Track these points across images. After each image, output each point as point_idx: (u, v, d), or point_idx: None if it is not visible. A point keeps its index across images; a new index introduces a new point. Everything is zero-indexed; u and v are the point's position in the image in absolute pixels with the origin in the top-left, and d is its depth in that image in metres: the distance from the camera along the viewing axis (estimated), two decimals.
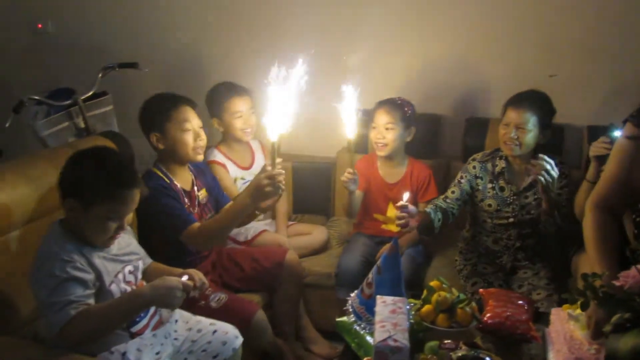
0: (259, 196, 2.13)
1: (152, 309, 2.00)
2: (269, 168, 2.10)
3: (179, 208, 2.37)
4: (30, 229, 2.02)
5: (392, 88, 3.10)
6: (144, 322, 1.96)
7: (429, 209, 2.59)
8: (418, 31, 3.23)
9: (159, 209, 2.32)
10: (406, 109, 2.87)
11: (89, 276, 1.80)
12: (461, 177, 2.68)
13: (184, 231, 2.32)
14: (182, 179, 2.50)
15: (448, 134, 3.26)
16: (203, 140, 2.45)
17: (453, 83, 3.24)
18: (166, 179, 2.44)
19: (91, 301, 1.78)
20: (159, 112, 2.41)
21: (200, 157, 2.47)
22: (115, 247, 1.94)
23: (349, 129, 2.51)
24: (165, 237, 2.34)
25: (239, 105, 2.92)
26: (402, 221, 2.40)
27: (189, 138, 2.40)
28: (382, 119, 2.82)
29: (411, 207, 2.41)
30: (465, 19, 3.14)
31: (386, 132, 2.82)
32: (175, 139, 2.40)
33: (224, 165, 2.97)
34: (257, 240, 2.96)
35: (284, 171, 2.13)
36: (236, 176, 3.00)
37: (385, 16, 3.25)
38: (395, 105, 2.85)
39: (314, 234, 3.12)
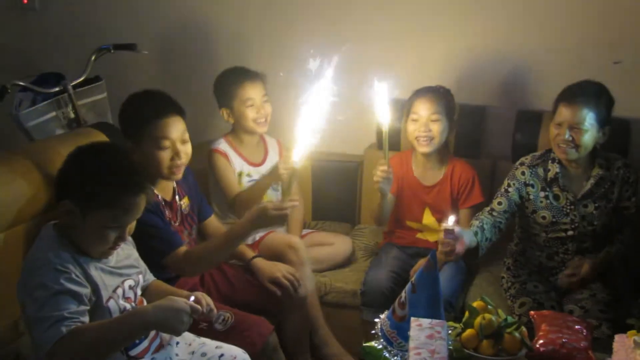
0: (261, 225, 2.27)
1: (151, 335, 2.02)
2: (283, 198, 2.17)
3: (162, 227, 2.36)
4: (10, 236, 2.05)
5: (429, 76, 3.09)
6: (145, 344, 1.98)
7: (474, 228, 2.57)
8: (460, 10, 3.22)
9: (139, 227, 2.14)
10: (450, 98, 2.88)
11: (85, 290, 1.81)
12: (508, 185, 2.67)
13: (167, 256, 2.33)
14: (162, 188, 2.46)
15: (495, 129, 3.25)
16: (183, 159, 2.38)
17: (501, 70, 3.22)
18: None
19: (85, 319, 1.78)
20: (134, 122, 2.36)
21: (177, 177, 2.42)
22: (114, 258, 1.96)
23: (383, 119, 2.49)
24: (145, 258, 2.24)
25: (251, 92, 2.93)
26: (448, 248, 2.38)
27: (164, 156, 2.33)
28: (426, 109, 2.80)
29: (458, 230, 2.39)
30: None
31: (432, 124, 2.80)
32: (149, 155, 2.33)
33: (225, 155, 2.99)
34: (264, 242, 2.95)
35: (297, 203, 2.24)
36: (242, 170, 3.02)
37: None
38: (439, 93, 2.85)
39: (337, 244, 3.13)
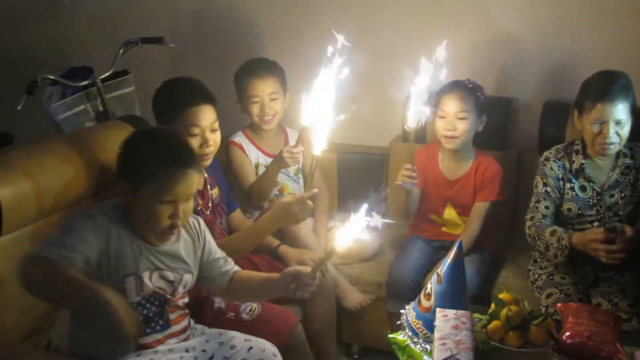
0: (286, 220, 2.31)
1: (175, 328, 2.04)
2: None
3: None
4: (46, 224, 2.10)
5: (455, 68, 3.06)
6: (157, 336, 1.99)
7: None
8: (487, 0, 3.20)
9: None
10: (479, 93, 2.85)
11: (93, 245, 1.83)
12: (545, 185, 2.64)
13: None
14: None
15: (521, 121, 3.24)
16: (211, 147, 2.42)
17: (528, 61, 3.20)
18: None
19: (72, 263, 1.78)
20: (166, 108, 2.41)
21: (206, 164, 2.46)
22: (170, 244, 1.99)
23: (412, 116, 2.48)
24: None
25: (257, 89, 2.94)
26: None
27: (193, 143, 2.37)
28: (453, 106, 2.79)
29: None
30: None
31: (458, 122, 2.79)
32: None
33: (240, 147, 3.03)
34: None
35: (316, 190, 2.25)
36: (258, 162, 3.05)
37: None
38: (467, 89, 2.82)
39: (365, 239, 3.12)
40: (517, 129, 3.25)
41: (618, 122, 2.44)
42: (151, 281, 1.96)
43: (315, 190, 2.31)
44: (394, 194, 3.23)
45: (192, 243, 2.09)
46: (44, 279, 1.73)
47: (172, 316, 2.03)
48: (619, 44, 3.03)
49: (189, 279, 2.06)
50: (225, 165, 3.04)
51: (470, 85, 2.84)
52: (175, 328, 2.04)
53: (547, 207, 2.65)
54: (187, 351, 2.04)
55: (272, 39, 3.55)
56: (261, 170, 3.04)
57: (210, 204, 2.57)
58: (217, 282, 2.15)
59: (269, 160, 3.04)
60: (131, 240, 1.91)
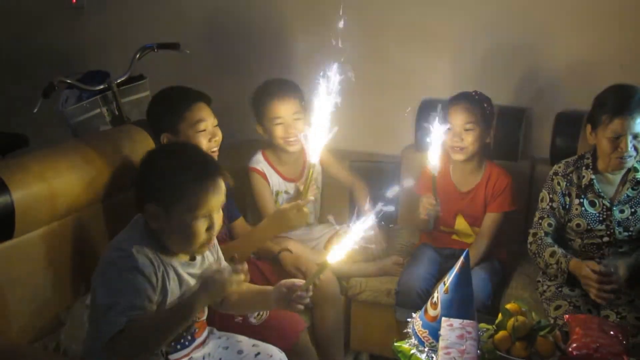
0: (283, 228, 2.33)
1: (198, 341, 2.06)
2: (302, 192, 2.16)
3: None
4: (59, 227, 2.14)
5: (468, 78, 3.09)
6: (186, 351, 2.02)
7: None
8: (500, 11, 3.20)
9: None
10: (486, 105, 2.85)
11: (154, 294, 1.83)
12: (551, 200, 2.64)
13: None
14: None
15: (534, 132, 3.23)
16: (217, 141, 2.49)
17: (541, 71, 3.20)
18: None
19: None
20: (171, 110, 2.45)
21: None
22: (199, 264, 1.99)
23: (434, 163, 2.53)
24: None
25: (280, 110, 2.90)
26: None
27: (203, 140, 2.45)
28: (460, 118, 2.80)
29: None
30: None
31: (465, 134, 2.80)
32: (189, 140, 2.43)
33: (264, 175, 3.00)
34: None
35: (313, 198, 2.24)
36: (279, 189, 3.03)
37: None
38: (474, 101, 2.83)
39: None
40: (530, 139, 3.24)
41: (635, 136, 2.43)
42: None
43: (311, 198, 2.33)
44: (404, 201, 3.24)
45: (215, 260, 2.11)
46: (137, 342, 1.74)
47: (196, 330, 2.06)
48: (633, 56, 3.02)
49: None
50: (240, 174, 3.06)
51: (476, 97, 2.84)
52: (199, 340, 2.07)
53: (549, 225, 2.65)
54: (204, 358, 2.07)
55: (288, 49, 3.57)
56: (280, 197, 3.02)
57: None
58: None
59: (288, 185, 3.02)
60: (167, 265, 1.89)
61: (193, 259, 1.98)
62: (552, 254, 2.57)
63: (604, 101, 2.51)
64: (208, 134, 2.46)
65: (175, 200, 1.82)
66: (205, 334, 2.11)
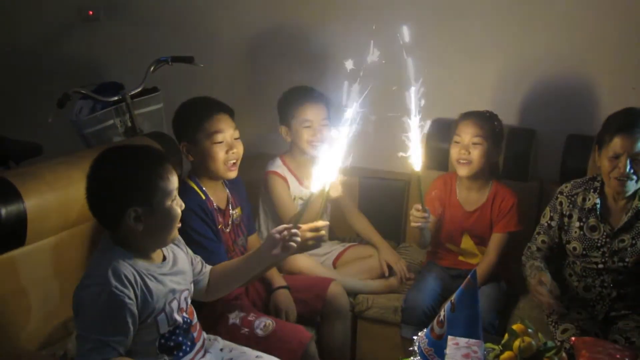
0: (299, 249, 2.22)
1: (198, 345, 2.08)
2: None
3: (212, 239, 2.43)
4: (69, 235, 2.17)
5: (479, 98, 3.11)
6: (189, 356, 2.03)
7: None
8: (511, 32, 3.22)
9: (188, 232, 2.32)
10: (496, 123, 2.87)
11: (134, 315, 1.84)
12: (551, 219, 2.65)
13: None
14: (217, 196, 2.57)
15: (544, 153, 3.23)
16: (236, 154, 2.50)
17: (553, 93, 3.20)
18: (202, 195, 2.50)
19: (124, 349, 1.82)
20: (190, 119, 2.49)
21: (233, 174, 2.52)
22: (170, 261, 2.02)
23: (415, 158, 2.41)
24: None
25: (311, 114, 2.96)
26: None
27: (219, 152, 2.46)
28: (469, 132, 2.82)
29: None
30: (570, 13, 3.11)
31: (472, 148, 2.81)
32: (205, 151, 2.46)
33: (285, 179, 3.03)
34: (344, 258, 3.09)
35: (327, 222, 2.20)
36: (296, 195, 3.05)
37: (472, 10, 3.25)
38: (484, 117, 2.85)
39: (375, 256, 3.13)
40: (540, 160, 3.24)
41: (635, 158, 2.40)
42: (178, 312, 1.99)
43: (327, 222, 2.30)
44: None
45: (185, 254, 2.13)
46: None
47: (195, 334, 2.07)
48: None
49: (192, 287, 2.11)
50: (255, 184, 3.09)
51: (487, 115, 2.87)
52: (198, 345, 2.08)
53: (543, 242, 2.66)
54: None
55: (299, 65, 3.59)
56: (297, 203, 3.04)
57: (230, 223, 2.60)
58: (202, 284, 2.18)
59: (304, 191, 3.04)
60: (144, 274, 1.90)
61: (164, 259, 2.01)
62: (532, 266, 2.58)
63: (611, 121, 2.50)
64: (225, 145, 2.47)
65: (152, 191, 1.87)
66: (202, 336, 2.12)
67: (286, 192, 3.02)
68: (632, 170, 2.41)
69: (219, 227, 2.53)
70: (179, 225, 1.97)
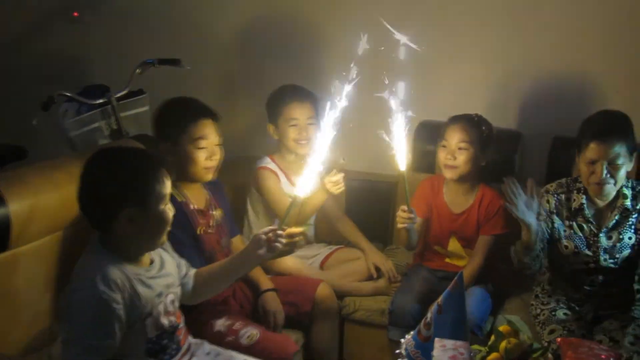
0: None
1: (184, 348, 2.08)
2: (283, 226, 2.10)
3: (189, 246, 2.41)
4: (54, 240, 2.15)
5: (465, 100, 3.11)
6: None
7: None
8: (497, 34, 3.24)
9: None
10: (484, 127, 2.87)
11: (122, 319, 1.83)
12: (538, 214, 2.67)
13: None
14: (196, 197, 2.56)
15: (530, 155, 3.25)
16: (215, 160, 2.50)
17: (538, 95, 3.23)
18: (179, 196, 2.49)
19: (112, 353, 1.82)
20: (175, 122, 2.47)
21: (209, 177, 2.53)
22: (157, 264, 2.01)
23: (401, 158, 2.41)
24: None
25: (296, 113, 2.98)
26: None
27: (201, 157, 2.46)
28: (456, 136, 2.82)
29: None
30: (556, 17, 3.14)
31: (458, 153, 2.82)
32: (186, 155, 2.46)
33: (275, 173, 3.04)
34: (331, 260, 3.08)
35: (303, 229, 2.20)
36: (287, 193, 3.05)
37: (459, 12, 3.27)
38: (472, 122, 2.86)
39: (362, 258, 3.14)
40: (526, 162, 3.26)
41: (611, 163, 2.42)
42: (165, 315, 1.98)
43: (300, 229, 2.32)
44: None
45: (171, 257, 2.13)
46: None
47: (180, 337, 2.07)
48: (629, 81, 3.05)
49: (179, 291, 2.11)
50: (242, 187, 3.09)
51: (476, 119, 2.87)
52: (184, 348, 2.08)
53: None
54: None
55: (289, 68, 3.59)
56: (289, 200, 3.03)
57: (213, 224, 2.60)
58: (187, 287, 2.17)
59: (293, 189, 3.03)
60: (133, 279, 1.89)
61: (151, 262, 2.00)
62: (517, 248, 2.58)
63: (586, 126, 2.52)
64: (208, 152, 2.47)
65: (147, 194, 1.87)
66: (187, 340, 2.12)
67: (278, 185, 3.02)
68: (609, 175, 2.43)
69: (201, 229, 2.52)
70: (169, 230, 1.97)
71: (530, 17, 3.17)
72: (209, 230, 2.57)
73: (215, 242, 2.58)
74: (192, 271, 2.20)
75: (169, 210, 1.94)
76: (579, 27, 3.10)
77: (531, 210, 2.44)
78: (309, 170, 2.10)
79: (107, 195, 1.86)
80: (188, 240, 2.45)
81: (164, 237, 1.96)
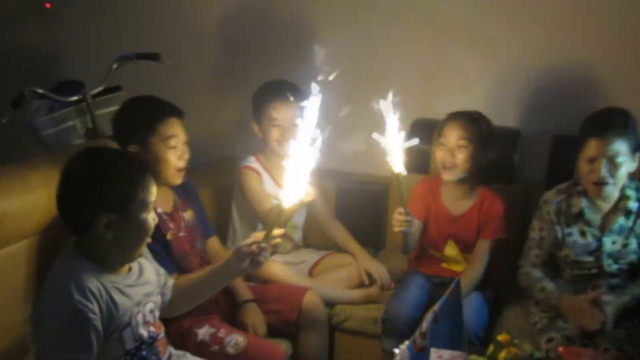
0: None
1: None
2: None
3: (156, 253, 2.39)
4: (26, 246, 2.14)
5: (464, 97, 3.13)
6: None
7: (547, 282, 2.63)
8: (497, 31, 3.27)
9: None
10: (484, 125, 2.88)
11: (98, 330, 1.83)
12: (541, 229, 2.69)
13: None
14: (162, 200, 2.52)
15: (529, 154, 3.27)
16: (185, 160, 2.51)
17: (539, 91, 3.25)
18: None
19: None
20: (142, 122, 2.46)
21: (180, 180, 2.54)
22: (136, 272, 2.01)
23: (397, 159, 2.41)
24: None
25: (280, 113, 2.97)
26: None
27: (172, 156, 2.46)
28: (454, 134, 2.83)
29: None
30: (556, 12, 3.16)
31: (457, 151, 2.83)
32: (157, 156, 2.45)
33: (258, 172, 3.05)
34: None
35: (283, 231, 2.21)
36: (271, 194, 3.05)
37: (456, 8, 3.29)
38: (472, 119, 2.86)
39: (353, 264, 3.15)
40: (526, 162, 3.28)
41: (611, 161, 2.45)
42: (143, 325, 1.99)
43: (279, 240, 2.33)
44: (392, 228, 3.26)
45: (151, 264, 2.14)
46: None
47: (160, 349, 2.07)
48: (633, 79, 3.08)
49: (159, 300, 2.11)
50: (228, 188, 3.09)
51: (475, 116, 2.88)
52: (164, 359, 2.09)
53: (537, 256, 2.69)
54: None
55: (272, 65, 3.60)
56: (273, 201, 3.03)
57: (183, 226, 2.60)
58: (165, 298, 2.17)
59: (278, 190, 3.03)
60: (109, 288, 1.89)
61: (129, 270, 2.00)
62: (542, 290, 2.61)
63: (587, 123, 2.55)
64: (178, 151, 2.48)
65: (130, 200, 1.87)
66: (167, 351, 2.13)
67: (260, 186, 3.03)
68: (608, 174, 2.46)
69: (171, 233, 2.53)
70: (149, 241, 1.97)
71: (529, 12, 3.19)
72: (180, 234, 2.57)
73: (189, 245, 2.59)
74: (171, 282, 2.20)
75: (152, 220, 1.93)
76: (580, 22, 3.13)
77: None
78: (291, 178, 2.08)
79: (86, 197, 1.86)
80: (158, 247, 2.44)
81: (142, 249, 1.97)
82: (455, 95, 3.21)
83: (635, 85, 3.05)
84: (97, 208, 1.85)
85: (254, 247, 2.05)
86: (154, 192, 1.93)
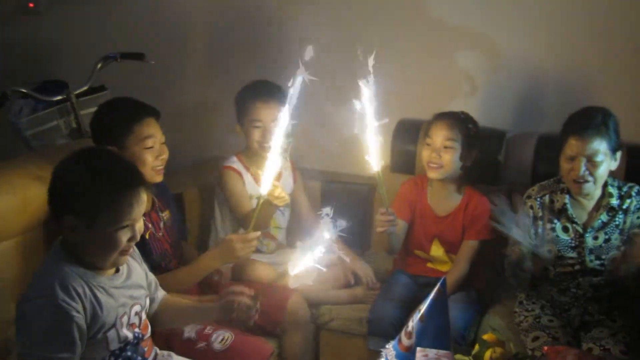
0: (228, 258, 2.38)
1: None
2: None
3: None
4: (11, 247, 2.13)
5: (448, 98, 3.14)
6: None
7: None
8: (482, 31, 3.28)
9: None
10: (471, 125, 2.90)
11: (82, 329, 1.82)
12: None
13: None
14: None
15: (514, 155, 3.28)
16: (163, 160, 2.51)
17: (524, 92, 3.27)
18: None
19: None
20: (119, 123, 2.45)
21: (160, 178, 2.53)
22: (124, 274, 2.00)
23: (374, 157, 2.43)
24: None
25: (261, 114, 2.97)
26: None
27: (149, 157, 2.46)
28: (441, 134, 2.85)
29: None
30: (541, 12, 3.18)
31: (443, 151, 2.84)
32: (134, 157, 2.43)
33: (239, 173, 3.05)
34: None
35: (259, 233, 2.31)
36: (252, 194, 3.06)
37: (440, 6, 3.30)
38: (458, 120, 2.88)
39: (337, 265, 3.14)
40: (510, 162, 3.29)
41: (590, 160, 2.48)
42: (128, 327, 1.98)
43: (258, 233, 2.41)
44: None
45: (140, 265, 2.13)
46: None
47: (145, 349, 2.07)
48: (620, 80, 3.10)
49: (147, 302, 2.11)
50: (210, 188, 3.08)
51: (462, 116, 2.90)
52: None
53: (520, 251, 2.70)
54: None
55: (261, 63, 3.60)
56: (253, 200, 3.04)
57: (161, 226, 2.61)
58: (155, 304, 2.18)
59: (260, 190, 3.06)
60: (94, 287, 1.88)
61: (117, 270, 2.00)
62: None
63: (568, 121, 2.58)
64: (155, 151, 2.47)
65: (99, 211, 1.83)
66: (153, 352, 2.12)
67: (240, 187, 3.03)
68: (587, 172, 2.49)
69: (149, 232, 2.53)
70: (127, 253, 1.95)
71: (514, 14, 3.21)
72: (159, 234, 2.58)
73: (167, 244, 2.60)
74: (161, 294, 2.20)
75: (123, 236, 1.88)
76: (565, 23, 3.14)
77: (519, 227, 2.48)
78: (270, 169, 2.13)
79: (58, 193, 1.88)
80: (136, 246, 2.43)
81: (116, 260, 1.93)
82: (439, 95, 3.22)
83: (620, 87, 3.07)
84: (63, 207, 1.85)
85: (245, 299, 2.11)
86: (136, 209, 1.88)
